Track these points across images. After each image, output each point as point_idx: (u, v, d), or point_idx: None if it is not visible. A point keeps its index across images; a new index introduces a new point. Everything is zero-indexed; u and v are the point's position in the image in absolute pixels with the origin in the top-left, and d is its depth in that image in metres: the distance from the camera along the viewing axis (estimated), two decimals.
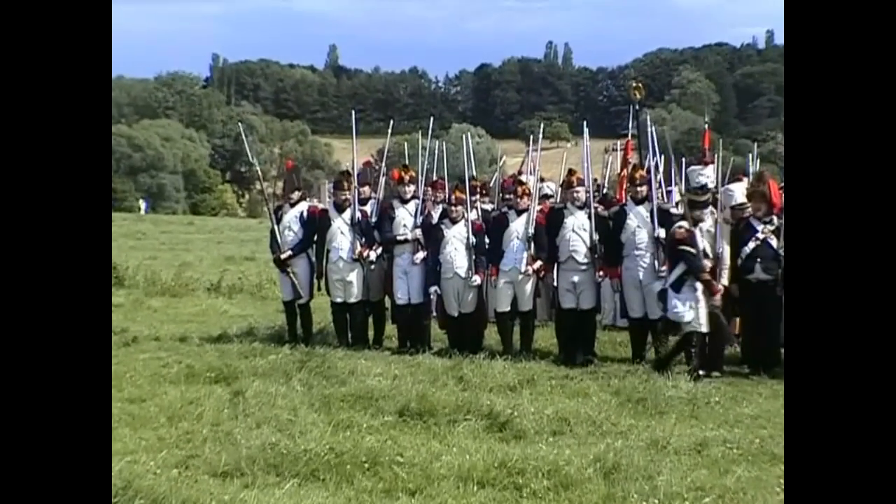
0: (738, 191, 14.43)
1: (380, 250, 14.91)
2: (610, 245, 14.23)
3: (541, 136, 17.78)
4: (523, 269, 14.24)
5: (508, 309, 14.52)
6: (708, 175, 14.02)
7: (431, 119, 17.78)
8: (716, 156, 15.38)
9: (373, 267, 14.87)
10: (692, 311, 12.70)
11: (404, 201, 15.01)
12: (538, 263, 14.30)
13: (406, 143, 18.35)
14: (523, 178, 16.44)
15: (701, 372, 12.94)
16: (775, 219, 13.66)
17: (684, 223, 13.01)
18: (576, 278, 14.19)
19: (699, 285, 12.74)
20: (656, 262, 13.75)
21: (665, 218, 13.95)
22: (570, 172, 14.82)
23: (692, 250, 12.74)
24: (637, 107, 18.93)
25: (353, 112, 17.80)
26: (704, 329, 12.75)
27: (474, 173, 16.04)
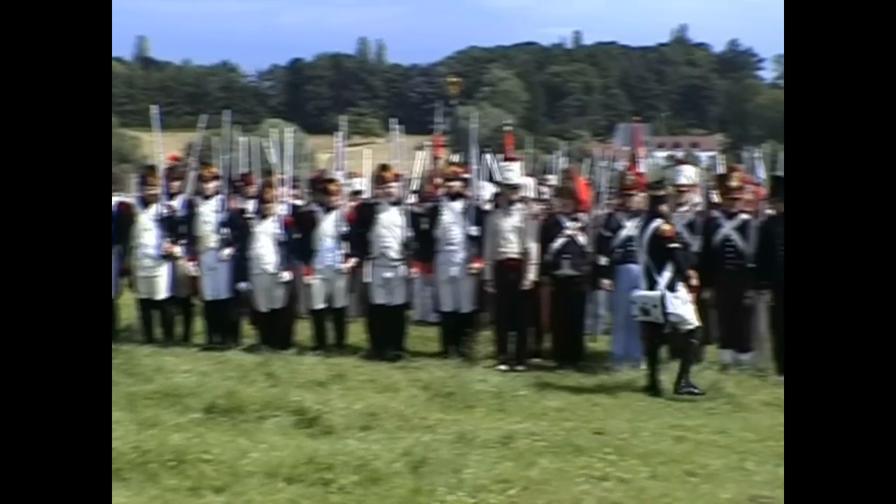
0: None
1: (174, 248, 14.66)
2: (423, 241, 14.33)
3: (342, 132, 17.70)
4: (337, 267, 14.25)
5: (324, 306, 14.50)
6: (515, 171, 14.25)
7: (230, 113, 17.50)
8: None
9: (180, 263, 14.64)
10: (689, 309, 12.32)
11: (206, 197, 14.82)
12: (352, 261, 14.31)
13: (216, 138, 18.08)
14: (335, 174, 16.41)
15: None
16: (581, 215, 14.03)
17: (664, 221, 12.51)
18: (388, 274, 14.24)
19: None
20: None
21: (479, 214, 14.15)
22: (383, 168, 14.84)
23: (680, 246, 12.51)
24: (451, 103, 19.12)
25: (157, 107, 17.38)
26: (698, 322, 12.39)
27: (285, 168, 15.91)
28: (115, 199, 15.26)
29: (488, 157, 17.38)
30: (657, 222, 12.32)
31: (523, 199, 14.19)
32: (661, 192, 12.98)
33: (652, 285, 12.13)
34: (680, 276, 12.21)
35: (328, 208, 14.48)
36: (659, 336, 12.27)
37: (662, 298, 12.00)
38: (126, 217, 14.72)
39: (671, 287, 12.08)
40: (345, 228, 14.38)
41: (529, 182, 15.42)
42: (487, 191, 15.50)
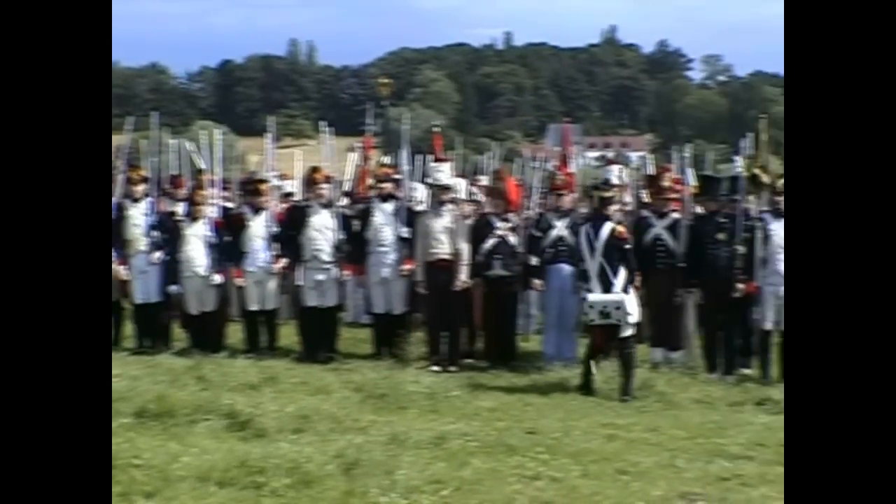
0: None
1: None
2: (354, 243, 14.31)
3: (272, 133, 17.59)
4: (268, 268, 14.20)
5: (257, 308, 14.43)
6: (445, 171, 14.30)
7: (158, 115, 17.35)
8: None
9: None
10: (638, 311, 12.43)
11: (135, 200, 14.67)
12: (282, 262, 14.26)
13: (145, 142, 17.92)
14: (266, 175, 16.34)
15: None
16: (512, 216, 14.10)
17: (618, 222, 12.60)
18: (320, 276, 14.21)
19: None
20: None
21: (410, 216, 14.16)
22: (314, 170, 14.79)
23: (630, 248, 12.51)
24: (383, 104, 19.15)
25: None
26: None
27: (215, 170, 15.82)
28: None
29: (420, 158, 17.41)
30: (610, 224, 12.34)
31: (454, 201, 14.22)
32: (608, 194, 12.96)
33: (607, 288, 12.16)
34: (632, 277, 12.31)
35: (258, 209, 14.43)
36: (612, 339, 12.24)
37: (623, 301, 12.08)
38: None
39: (626, 289, 12.16)
40: (275, 229, 14.35)
41: (461, 183, 15.47)
42: (419, 192, 15.54)
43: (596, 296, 12.12)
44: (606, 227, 12.26)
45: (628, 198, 14.93)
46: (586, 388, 12.18)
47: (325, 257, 14.22)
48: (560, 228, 13.87)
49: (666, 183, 13.96)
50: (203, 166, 16.02)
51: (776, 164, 15.56)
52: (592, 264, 12.24)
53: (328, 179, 14.83)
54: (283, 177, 18.31)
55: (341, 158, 18.90)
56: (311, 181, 14.63)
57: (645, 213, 14.05)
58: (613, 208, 12.88)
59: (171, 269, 14.26)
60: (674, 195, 14.00)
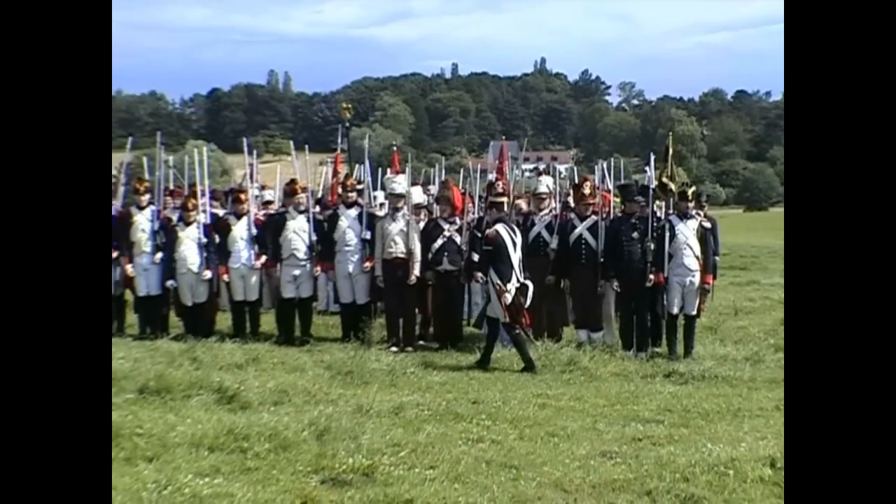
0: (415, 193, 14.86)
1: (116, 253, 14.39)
2: (324, 243, 14.26)
3: (254, 150, 17.52)
4: (249, 265, 14.14)
5: (242, 299, 14.34)
6: (400, 182, 14.28)
7: (161, 135, 17.27)
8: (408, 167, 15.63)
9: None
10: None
11: (141, 208, 14.57)
12: (262, 259, 14.19)
13: (146, 158, 17.74)
14: (249, 186, 16.25)
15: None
16: (457, 219, 14.11)
17: (497, 226, 12.44)
18: (296, 272, 14.22)
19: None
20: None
21: (371, 220, 14.15)
22: (292, 182, 14.77)
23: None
24: (347, 125, 19.12)
25: None
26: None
27: (205, 182, 15.72)
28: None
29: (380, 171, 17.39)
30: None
31: (418, 206, 14.24)
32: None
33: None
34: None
35: (240, 216, 14.38)
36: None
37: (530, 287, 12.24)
38: None
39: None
40: (255, 231, 14.30)
41: (418, 190, 15.45)
42: (380, 199, 15.54)
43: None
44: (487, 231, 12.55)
45: (556, 203, 14.91)
46: (484, 362, 12.31)
47: (301, 256, 14.19)
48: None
49: (587, 190, 14.00)
50: (182, 182, 15.99)
51: (680, 174, 15.67)
52: (516, 259, 12.28)
53: (303, 190, 14.80)
54: (263, 187, 18.24)
55: (314, 171, 18.85)
56: (289, 192, 14.60)
57: (570, 215, 14.08)
58: (543, 212, 12.90)
59: (169, 267, 14.19)
60: (593, 200, 14.03)
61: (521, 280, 12.17)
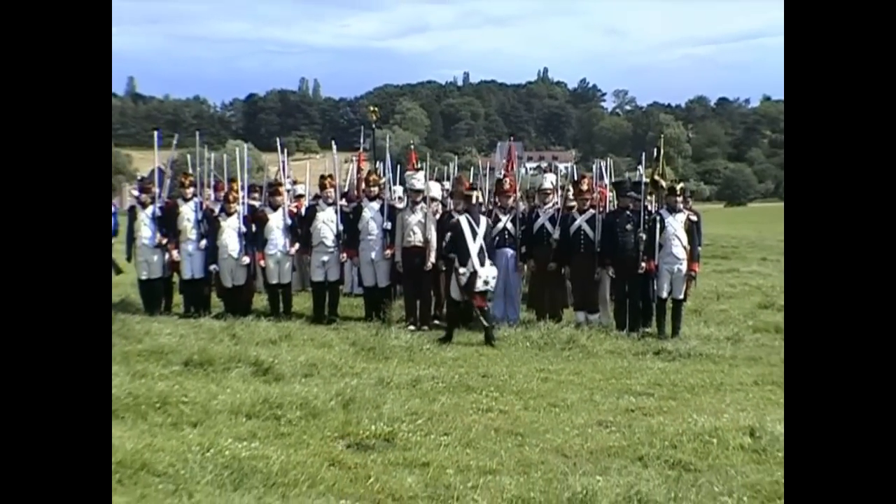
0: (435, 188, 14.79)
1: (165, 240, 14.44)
2: (350, 233, 14.24)
3: (280, 149, 17.50)
4: (284, 251, 14.14)
5: (277, 282, 14.32)
6: (419, 179, 14.23)
7: (201, 135, 17.25)
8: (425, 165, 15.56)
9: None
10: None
11: (186, 200, 14.58)
12: (296, 246, 14.22)
13: (190, 155, 17.71)
14: (283, 181, 16.22)
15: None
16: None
17: (459, 217, 12.78)
18: (325, 258, 14.19)
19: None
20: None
21: (391, 212, 14.12)
22: (323, 178, 14.75)
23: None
24: (373, 127, 19.14)
25: (158, 131, 16.83)
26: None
27: (244, 178, 15.70)
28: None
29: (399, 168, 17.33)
30: (485, 218, 12.90)
31: (433, 199, 14.17)
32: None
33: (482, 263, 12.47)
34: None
35: (275, 207, 14.36)
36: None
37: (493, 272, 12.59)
38: (132, 216, 14.70)
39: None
40: (289, 222, 14.30)
41: (437, 185, 15.38)
42: (399, 193, 15.52)
43: (485, 269, 12.43)
44: (483, 220, 12.73)
45: (558, 198, 14.85)
46: (449, 339, 12.36)
47: (330, 243, 14.19)
48: (505, 221, 13.88)
49: (585, 187, 13.95)
50: (220, 178, 16.03)
51: (669, 172, 15.60)
52: (474, 247, 12.46)
53: (333, 185, 14.77)
54: (295, 182, 18.22)
55: (341, 169, 18.82)
56: (322, 186, 14.61)
57: (571, 209, 14.02)
58: (547, 206, 12.86)
59: (212, 253, 14.20)
60: (592, 196, 13.99)
61: (476, 267, 12.31)
